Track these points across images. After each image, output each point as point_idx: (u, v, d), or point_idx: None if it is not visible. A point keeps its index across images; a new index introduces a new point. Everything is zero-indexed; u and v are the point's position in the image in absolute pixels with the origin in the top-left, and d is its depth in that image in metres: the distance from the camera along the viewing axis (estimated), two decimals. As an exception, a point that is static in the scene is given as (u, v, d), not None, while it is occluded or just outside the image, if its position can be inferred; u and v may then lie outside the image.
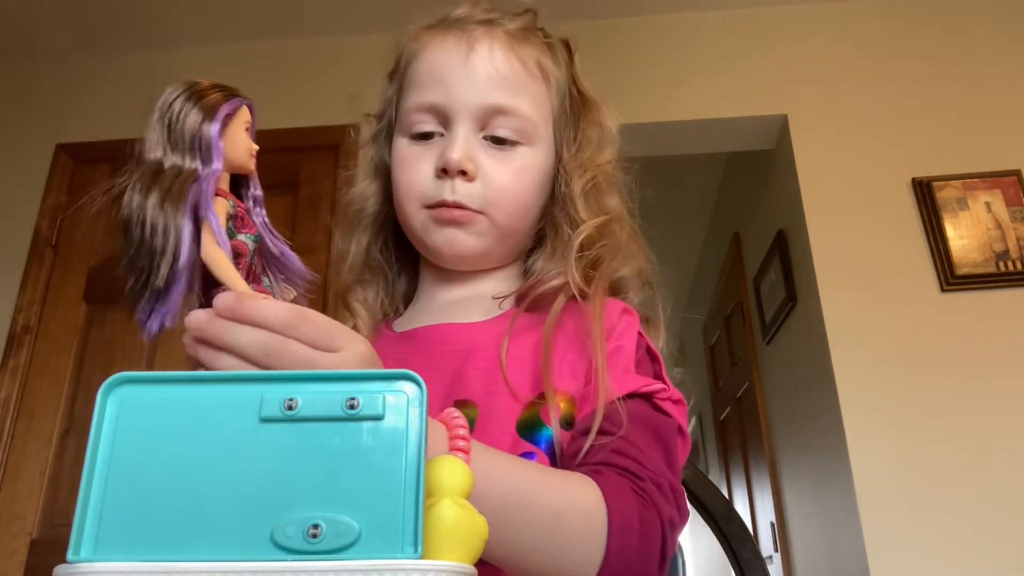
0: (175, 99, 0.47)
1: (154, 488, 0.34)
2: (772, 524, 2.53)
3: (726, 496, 1.15)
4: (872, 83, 2.16)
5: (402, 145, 0.67)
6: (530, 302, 0.65)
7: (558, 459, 0.57)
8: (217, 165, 0.44)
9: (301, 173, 2.15)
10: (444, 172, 0.63)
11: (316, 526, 0.33)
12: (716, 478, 3.50)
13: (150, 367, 1.96)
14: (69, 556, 0.33)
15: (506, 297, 0.67)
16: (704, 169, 3.11)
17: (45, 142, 2.25)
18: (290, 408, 0.36)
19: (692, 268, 3.96)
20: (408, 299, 0.74)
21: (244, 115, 0.49)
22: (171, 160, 0.44)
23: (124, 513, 0.34)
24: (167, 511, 0.34)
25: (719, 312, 3.27)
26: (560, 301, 0.63)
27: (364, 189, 0.74)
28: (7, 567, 1.81)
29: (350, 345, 0.42)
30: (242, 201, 0.49)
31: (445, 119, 0.65)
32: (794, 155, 2.12)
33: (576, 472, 0.52)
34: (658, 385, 0.61)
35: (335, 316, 0.72)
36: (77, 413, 1.97)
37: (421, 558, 0.34)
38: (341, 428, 0.36)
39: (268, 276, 0.49)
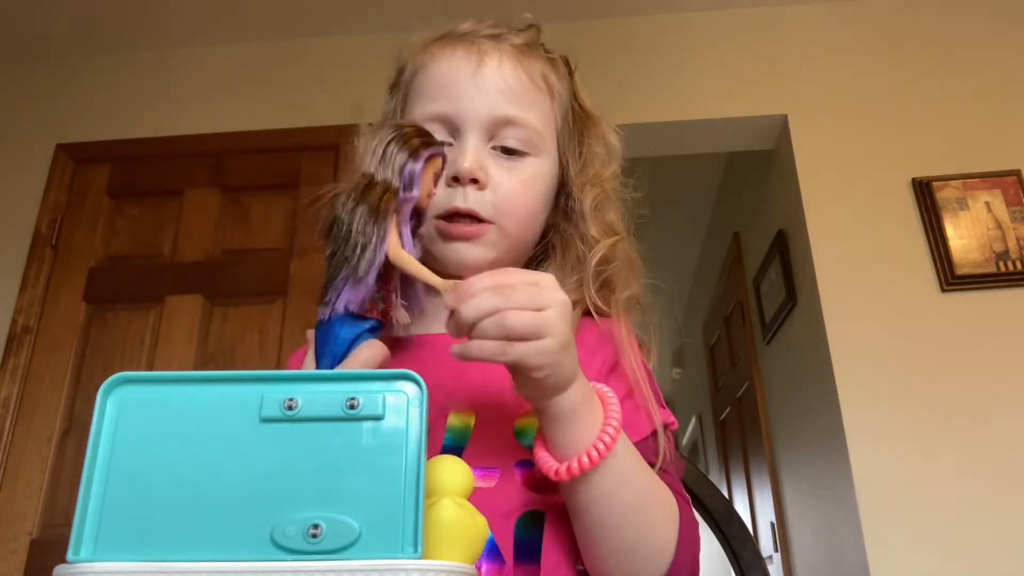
0: (390, 141, 0.54)
1: (154, 488, 0.34)
2: (772, 524, 2.52)
3: (726, 496, 1.15)
4: (872, 83, 2.16)
5: None
6: None
7: None
8: (415, 193, 0.53)
9: (301, 173, 2.15)
10: (455, 180, 0.64)
11: (316, 526, 0.33)
12: (716, 478, 3.50)
13: (150, 367, 1.96)
14: (69, 556, 0.33)
15: None
16: (704, 169, 3.11)
17: (45, 142, 2.25)
18: (290, 408, 0.36)
19: (692, 268, 3.96)
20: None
21: (436, 164, 0.56)
22: (382, 175, 0.53)
23: (124, 513, 0.34)
24: (167, 511, 0.34)
25: (719, 312, 3.27)
26: (576, 314, 0.64)
27: None
28: (7, 567, 1.81)
29: (554, 302, 0.48)
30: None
31: (454, 129, 0.66)
32: (794, 155, 2.12)
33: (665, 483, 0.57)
34: (671, 417, 0.64)
35: None
36: (77, 413, 1.96)
37: (421, 558, 0.34)
38: (341, 428, 0.36)
39: (398, 295, 0.56)
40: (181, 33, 2.32)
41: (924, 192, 1.98)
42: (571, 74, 0.74)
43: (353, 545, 0.33)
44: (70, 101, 2.34)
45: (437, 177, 0.56)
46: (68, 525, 0.33)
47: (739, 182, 2.95)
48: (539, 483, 0.58)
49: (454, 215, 0.65)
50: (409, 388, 0.37)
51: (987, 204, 1.96)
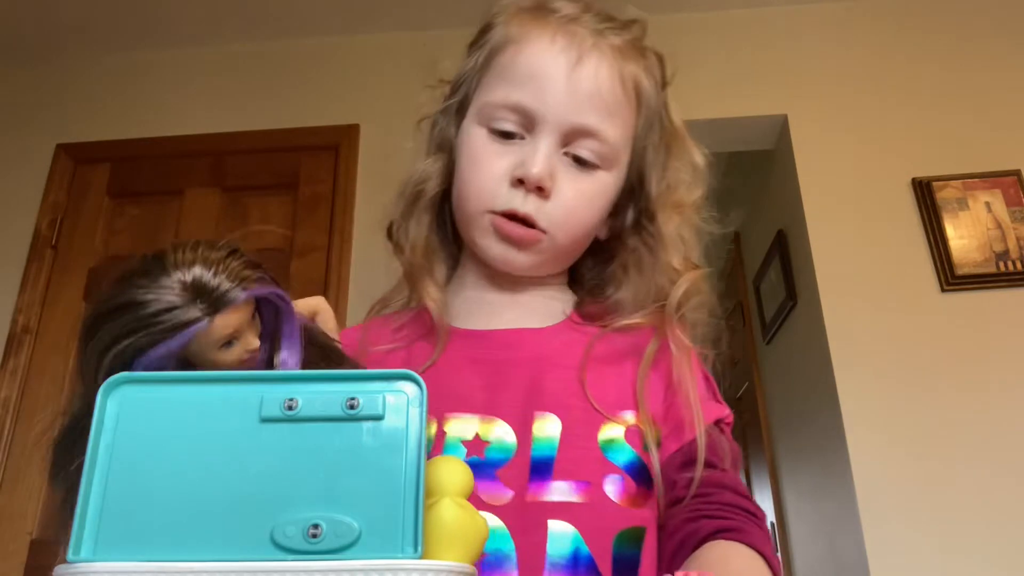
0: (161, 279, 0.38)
1: (154, 488, 0.34)
2: (772, 524, 2.53)
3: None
4: (872, 83, 2.16)
5: (479, 137, 0.63)
6: (596, 315, 0.65)
7: (656, 484, 0.58)
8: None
9: (301, 173, 2.15)
10: (520, 182, 0.61)
11: (316, 526, 0.33)
12: (716, 478, 3.49)
13: (150, 367, 1.96)
14: (69, 556, 0.33)
15: (585, 320, 0.66)
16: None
17: (45, 142, 2.25)
18: (290, 408, 0.36)
19: (692, 268, 3.96)
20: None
21: (219, 335, 0.39)
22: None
23: (124, 513, 0.34)
24: (167, 511, 0.34)
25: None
26: (653, 346, 0.62)
27: (427, 168, 0.69)
28: (7, 567, 1.81)
29: None
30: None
31: (530, 123, 0.62)
32: (794, 155, 2.12)
33: (745, 550, 0.53)
34: (727, 411, 0.63)
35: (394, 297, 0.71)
36: (77, 413, 1.96)
37: (421, 558, 0.34)
38: (341, 428, 0.36)
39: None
40: (181, 33, 2.32)
41: (924, 192, 1.98)
42: (664, 83, 0.70)
43: (353, 545, 0.33)
44: (70, 101, 2.34)
45: (238, 334, 0.40)
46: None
47: (739, 182, 2.95)
48: (634, 499, 0.57)
49: (511, 218, 0.61)
50: (409, 388, 0.37)
51: (987, 204, 1.96)
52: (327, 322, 0.58)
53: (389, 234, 0.70)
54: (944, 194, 1.97)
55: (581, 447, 0.57)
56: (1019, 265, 1.89)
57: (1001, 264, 1.89)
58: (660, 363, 0.63)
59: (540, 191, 0.61)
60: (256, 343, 0.42)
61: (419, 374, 0.59)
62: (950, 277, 1.89)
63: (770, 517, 2.56)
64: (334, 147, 2.14)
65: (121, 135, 2.24)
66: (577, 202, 0.62)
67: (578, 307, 0.68)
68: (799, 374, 2.19)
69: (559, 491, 0.55)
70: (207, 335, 0.39)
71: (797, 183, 2.09)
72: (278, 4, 2.24)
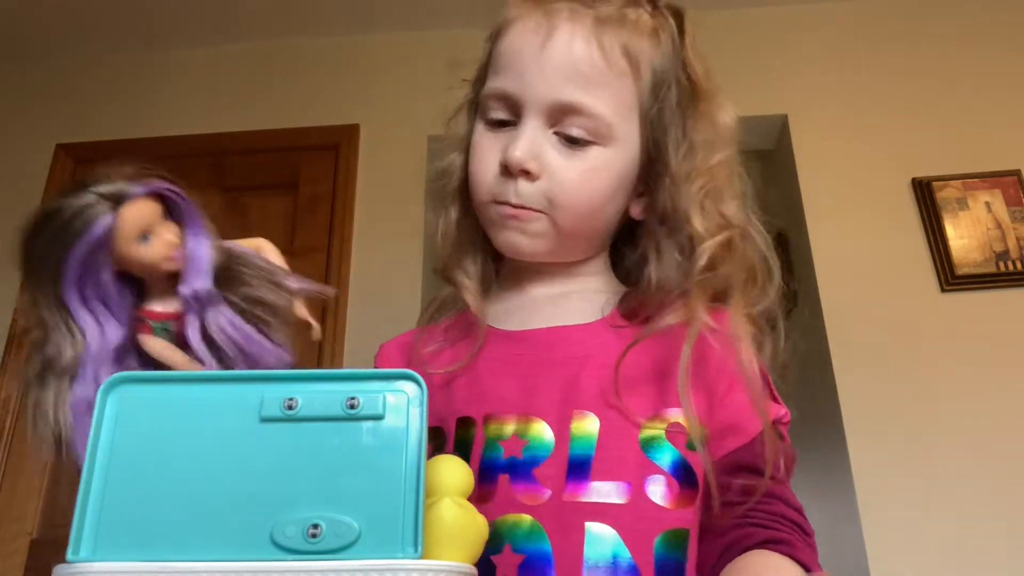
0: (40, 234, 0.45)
1: (154, 488, 0.34)
2: (772, 524, 2.52)
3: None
4: (872, 83, 2.16)
5: (479, 130, 0.64)
6: (636, 309, 0.63)
7: (703, 485, 0.57)
8: (86, 384, 0.44)
9: (301, 173, 2.15)
10: (507, 169, 0.60)
11: (316, 526, 0.33)
12: (716, 478, 3.49)
13: (150, 367, 1.96)
14: (68, 556, 0.33)
15: (628, 318, 0.63)
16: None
17: (45, 142, 2.25)
18: (290, 408, 0.36)
19: (692, 268, 3.95)
20: (485, 279, 0.70)
21: (129, 224, 0.44)
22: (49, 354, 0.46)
23: (124, 513, 0.34)
24: (167, 511, 0.34)
25: (719, 312, 3.26)
26: (687, 349, 0.58)
27: (451, 162, 0.69)
28: (7, 567, 1.81)
29: None
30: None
31: (516, 108, 0.61)
32: (794, 155, 2.12)
33: (793, 565, 0.51)
34: (783, 410, 0.63)
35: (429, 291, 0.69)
36: (77, 413, 1.96)
37: (421, 558, 0.33)
38: (341, 428, 0.36)
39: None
40: (181, 33, 2.32)
41: (924, 192, 1.98)
42: (682, 38, 0.66)
43: (353, 545, 0.33)
44: (70, 101, 2.34)
45: (149, 231, 0.45)
46: (68, 525, 0.33)
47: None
48: (677, 500, 0.56)
49: (505, 205, 0.61)
50: (409, 388, 0.37)
51: (987, 204, 1.96)
52: (269, 255, 0.58)
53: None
54: (944, 194, 1.97)
55: (620, 447, 0.56)
56: (1019, 265, 1.89)
57: (1001, 264, 1.89)
58: (700, 357, 0.59)
59: (527, 174, 0.60)
60: (173, 238, 0.47)
61: (456, 374, 0.60)
62: (950, 277, 1.89)
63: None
64: (334, 147, 2.14)
65: (121, 135, 2.24)
66: (571, 179, 0.60)
67: (623, 302, 0.65)
68: (799, 374, 2.19)
69: (597, 492, 0.54)
70: (119, 228, 0.44)
71: (797, 183, 2.09)
72: (278, 4, 2.24)
